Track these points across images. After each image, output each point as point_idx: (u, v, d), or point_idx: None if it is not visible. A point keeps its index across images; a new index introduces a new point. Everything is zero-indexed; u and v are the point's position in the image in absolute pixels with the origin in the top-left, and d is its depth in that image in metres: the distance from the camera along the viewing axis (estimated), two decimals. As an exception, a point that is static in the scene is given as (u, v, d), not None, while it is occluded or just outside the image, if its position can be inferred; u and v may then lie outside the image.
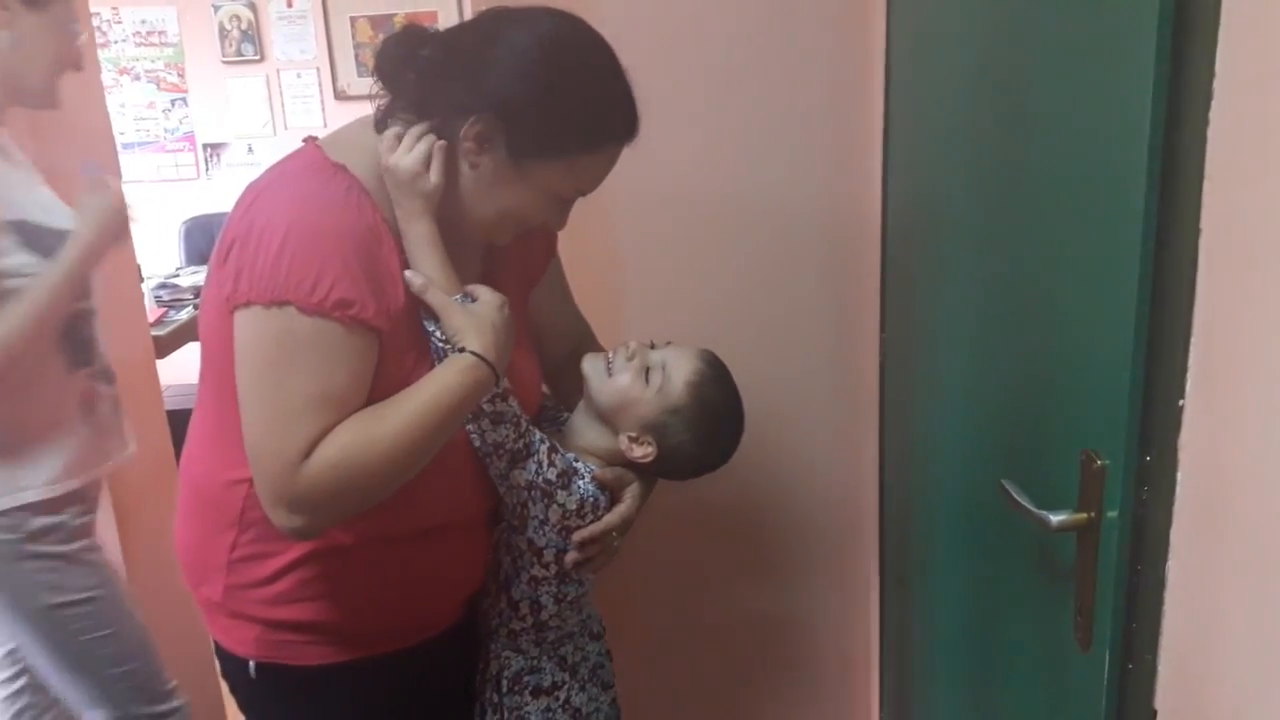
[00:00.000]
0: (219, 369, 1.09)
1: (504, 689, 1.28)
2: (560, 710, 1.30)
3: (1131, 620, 0.97)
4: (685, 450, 1.24)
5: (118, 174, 2.13)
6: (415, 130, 1.08)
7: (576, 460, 1.21)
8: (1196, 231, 0.83)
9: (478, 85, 1.06)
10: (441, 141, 1.08)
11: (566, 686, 1.30)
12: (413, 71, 1.10)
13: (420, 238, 1.09)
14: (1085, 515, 0.99)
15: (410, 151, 1.07)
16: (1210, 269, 0.83)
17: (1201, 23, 0.82)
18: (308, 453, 1.01)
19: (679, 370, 1.23)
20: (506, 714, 1.28)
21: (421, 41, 1.10)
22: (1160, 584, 0.91)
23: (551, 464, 1.17)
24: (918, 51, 1.50)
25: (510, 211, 1.13)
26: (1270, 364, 0.75)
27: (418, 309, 1.10)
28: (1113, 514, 0.96)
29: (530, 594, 1.23)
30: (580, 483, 1.19)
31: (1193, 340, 0.85)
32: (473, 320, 1.09)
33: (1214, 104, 0.80)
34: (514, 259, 1.27)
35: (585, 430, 1.26)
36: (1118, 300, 0.92)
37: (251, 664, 1.20)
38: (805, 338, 1.76)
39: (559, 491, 1.18)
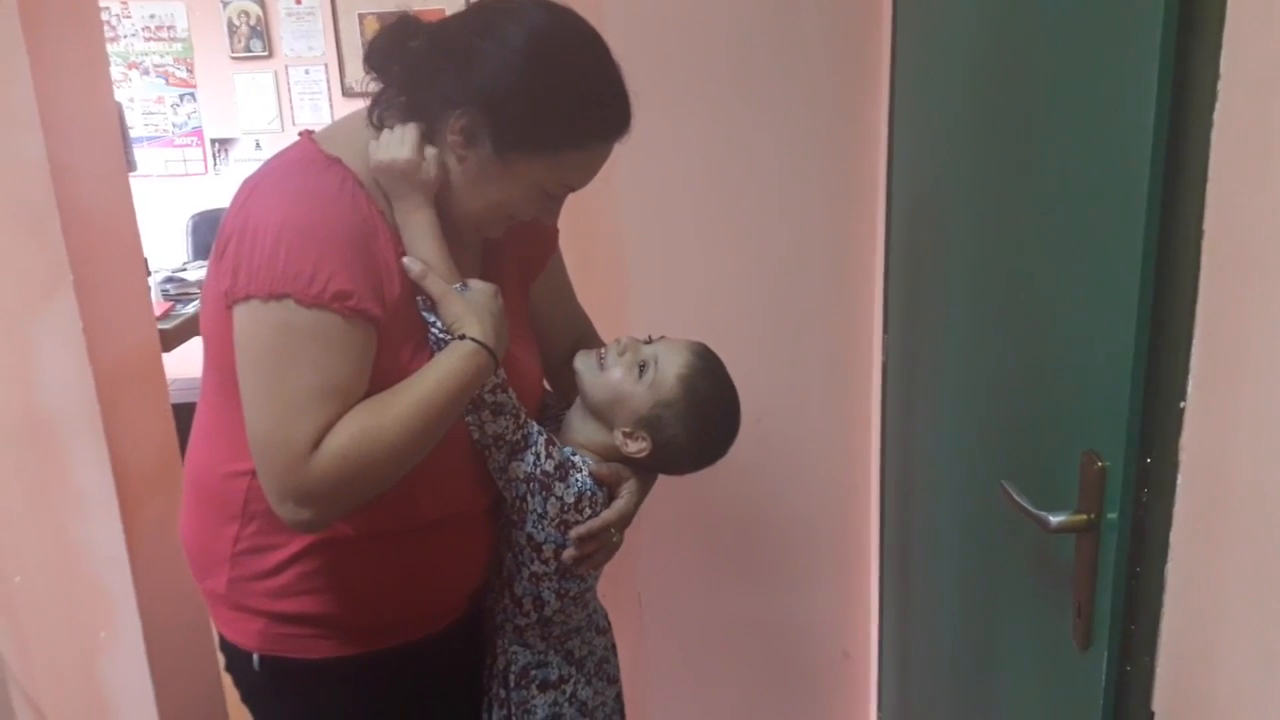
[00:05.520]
0: (219, 363, 1.09)
1: (511, 683, 1.28)
2: (567, 704, 1.30)
3: (1130, 621, 0.97)
4: (679, 443, 1.23)
5: (129, 169, 2.11)
6: (407, 124, 1.08)
7: (574, 454, 1.21)
8: (1199, 234, 0.83)
9: (464, 78, 1.06)
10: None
11: (573, 680, 1.30)
12: (400, 63, 1.10)
13: (419, 227, 1.09)
14: (1085, 516, 0.99)
15: (403, 144, 1.07)
16: (1213, 271, 0.83)
17: (1206, 24, 0.82)
18: (315, 445, 1.01)
19: (670, 364, 1.22)
20: (514, 708, 1.28)
21: (412, 33, 1.10)
22: (1159, 585, 0.91)
23: (549, 456, 1.17)
24: (922, 52, 1.50)
25: (498, 205, 1.13)
26: (1272, 367, 0.75)
27: (413, 300, 1.10)
28: (1113, 515, 0.96)
29: (532, 590, 1.23)
30: (578, 475, 1.19)
31: (1194, 342, 0.85)
32: (471, 307, 1.09)
33: (1218, 106, 0.80)
34: (513, 254, 1.27)
35: (581, 427, 1.26)
36: (1120, 302, 0.93)
37: (255, 657, 1.20)
38: (808, 337, 1.77)
39: (557, 484, 1.18)
